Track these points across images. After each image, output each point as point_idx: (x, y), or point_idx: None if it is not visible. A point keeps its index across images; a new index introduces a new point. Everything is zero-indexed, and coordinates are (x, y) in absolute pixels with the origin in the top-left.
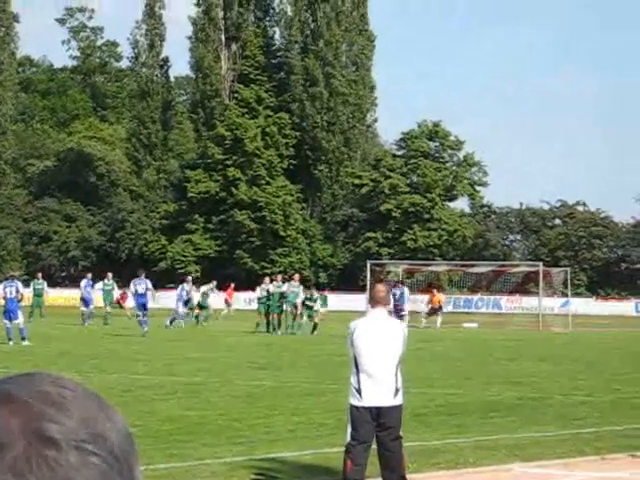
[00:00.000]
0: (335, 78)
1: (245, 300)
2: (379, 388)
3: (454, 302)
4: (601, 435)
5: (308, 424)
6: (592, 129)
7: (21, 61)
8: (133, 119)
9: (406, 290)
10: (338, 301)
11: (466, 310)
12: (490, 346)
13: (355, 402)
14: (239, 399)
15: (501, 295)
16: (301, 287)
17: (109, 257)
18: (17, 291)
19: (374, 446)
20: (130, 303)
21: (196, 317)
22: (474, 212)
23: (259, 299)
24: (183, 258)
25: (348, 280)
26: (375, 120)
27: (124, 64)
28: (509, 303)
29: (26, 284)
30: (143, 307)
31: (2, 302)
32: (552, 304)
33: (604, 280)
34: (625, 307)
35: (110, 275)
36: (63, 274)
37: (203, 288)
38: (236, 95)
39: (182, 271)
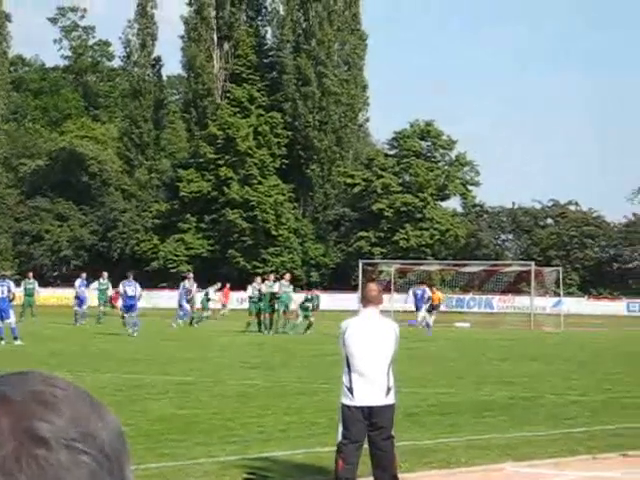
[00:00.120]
0: (327, 77)
1: (237, 299)
2: (371, 387)
3: (446, 302)
4: (593, 434)
5: (300, 423)
6: (584, 128)
7: (13, 60)
8: (125, 118)
9: (427, 290)
10: (330, 300)
11: (458, 310)
12: (482, 346)
13: (347, 401)
14: (231, 398)
15: (493, 295)
16: (291, 287)
17: (101, 256)
18: (9, 290)
19: (366, 445)
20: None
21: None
22: (466, 212)
23: (250, 298)
24: (175, 258)
25: (340, 279)
26: (367, 119)
27: (116, 63)
28: (501, 303)
29: (18, 284)
30: (130, 309)
31: None
32: (544, 304)
33: (596, 280)
34: (617, 307)
35: (105, 274)
36: (55, 274)
37: (209, 289)
38: (228, 94)
39: (174, 270)
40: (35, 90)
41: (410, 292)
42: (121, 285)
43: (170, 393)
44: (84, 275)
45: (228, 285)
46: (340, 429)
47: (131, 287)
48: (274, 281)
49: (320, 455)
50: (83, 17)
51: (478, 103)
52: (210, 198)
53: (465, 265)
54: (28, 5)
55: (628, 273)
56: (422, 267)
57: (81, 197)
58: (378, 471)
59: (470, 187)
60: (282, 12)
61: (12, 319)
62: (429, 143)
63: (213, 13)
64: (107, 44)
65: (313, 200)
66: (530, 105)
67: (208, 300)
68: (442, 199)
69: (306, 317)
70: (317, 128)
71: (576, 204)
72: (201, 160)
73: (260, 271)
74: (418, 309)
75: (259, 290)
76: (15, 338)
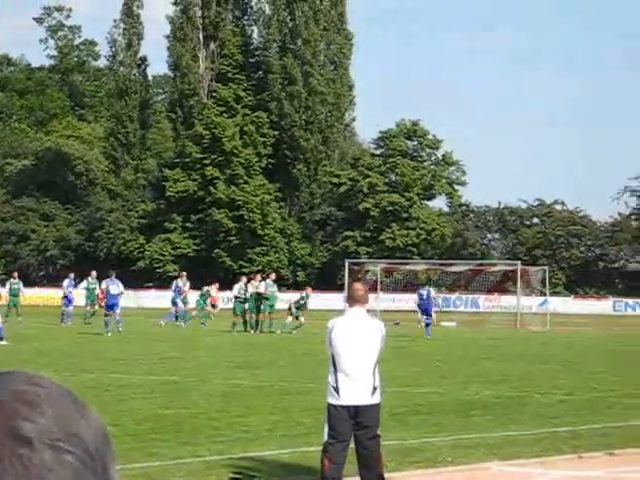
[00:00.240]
0: (313, 77)
1: (223, 299)
2: (357, 387)
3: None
4: (578, 434)
5: (286, 423)
6: (570, 128)
7: None
8: (111, 118)
9: (432, 291)
10: (316, 300)
11: (444, 309)
12: (468, 345)
13: (333, 401)
14: (217, 398)
15: (479, 294)
16: (275, 286)
17: (87, 256)
18: None
19: (352, 445)
20: None
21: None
22: (452, 211)
23: (236, 298)
24: (161, 257)
25: (326, 279)
26: (353, 119)
27: (102, 63)
28: (487, 302)
29: (3, 284)
30: (112, 307)
31: None
32: (530, 303)
33: (582, 279)
34: (603, 306)
35: (94, 274)
36: (41, 273)
37: (206, 288)
38: (214, 94)
39: (160, 270)
40: (21, 90)
41: (417, 294)
42: (104, 283)
43: (156, 393)
44: (72, 275)
45: (217, 285)
46: (326, 429)
47: (114, 286)
48: (260, 281)
49: (306, 455)
50: (69, 17)
51: (464, 103)
52: (196, 198)
53: (451, 264)
54: (14, 5)
55: (614, 272)
56: (408, 267)
57: (67, 197)
58: (364, 470)
59: (456, 186)
60: (268, 12)
61: None
62: (415, 143)
63: (199, 13)
64: (93, 44)
65: (299, 200)
66: (516, 105)
67: (205, 300)
68: (428, 198)
69: (297, 317)
70: (303, 128)
71: (562, 203)
72: (187, 160)
73: (246, 271)
74: (422, 310)
75: (245, 290)
76: (0, 338)
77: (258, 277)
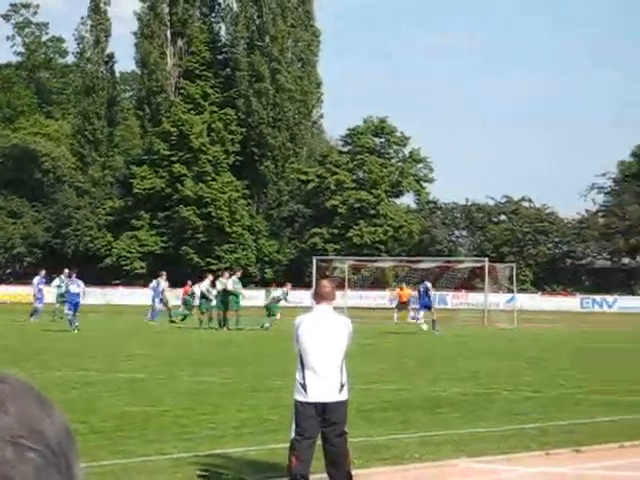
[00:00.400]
0: (281, 74)
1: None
2: (324, 384)
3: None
4: (545, 430)
5: (254, 420)
6: (538, 126)
7: None
8: (78, 115)
9: (429, 285)
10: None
11: (412, 306)
12: (436, 342)
13: (300, 398)
14: (184, 395)
15: (447, 291)
16: (240, 283)
17: (55, 253)
18: None
19: (319, 442)
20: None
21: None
22: (420, 208)
23: (202, 295)
24: (129, 254)
25: (294, 276)
26: (321, 116)
27: (69, 60)
28: (455, 299)
29: None
30: (75, 306)
31: None
32: (498, 300)
33: (549, 276)
34: (571, 303)
35: (67, 272)
36: (8, 271)
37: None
38: (182, 91)
39: (128, 267)
40: None
41: (415, 291)
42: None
43: (123, 390)
44: (43, 272)
45: (190, 282)
46: (293, 426)
47: (74, 285)
48: (228, 278)
49: (274, 451)
50: (36, 13)
51: (432, 100)
52: (164, 195)
53: (419, 261)
54: None
55: (581, 269)
56: (376, 263)
57: (34, 194)
58: (332, 468)
59: (424, 184)
60: (236, 9)
61: None
62: (383, 139)
63: (166, 9)
64: (60, 40)
65: (267, 197)
66: (484, 102)
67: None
68: (396, 195)
69: (273, 314)
70: (271, 125)
71: (529, 200)
72: (155, 157)
73: (214, 268)
74: (421, 306)
75: (207, 289)
76: None
77: (226, 274)
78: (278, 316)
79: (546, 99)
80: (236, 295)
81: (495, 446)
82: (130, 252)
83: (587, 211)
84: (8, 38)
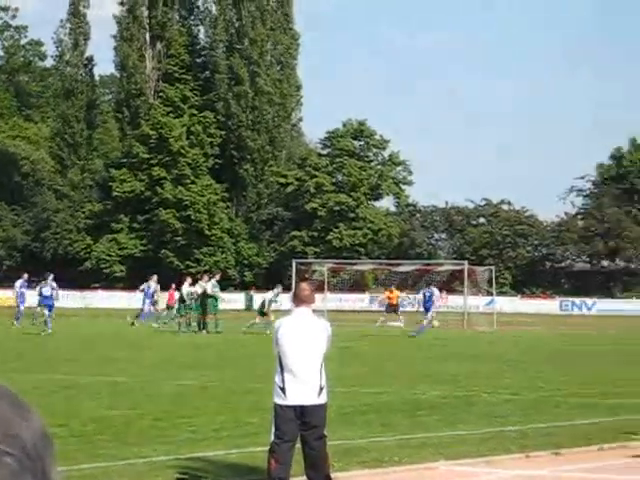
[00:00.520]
0: (260, 77)
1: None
2: (303, 387)
3: (379, 301)
4: (525, 433)
5: (233, 423)
6: (517, 128)
7: None
8: (57, 118)
9: (436, 291)
10: None
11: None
12: (416, 345)
13: (279, 401)
14: (164, 399)
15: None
16: (218, 286)
17: (34, 257)
18: None
19: (299, 445)
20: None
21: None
22: (399, 211)
23: (180, 299)
24: (108, 258)
25: (273, 279)
26: (300, 119)
27: (48, 63)
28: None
29: None
30: (49, 308)
31: None
32: (477, 303)
33: (529, 279)
34: (550, 305)
35: (51, 277)
36: None
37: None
38: (161, 94)
39: (107, 271)
40: None
41: (420, 293)
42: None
43: (103, 394)
44: (26, 276)
45: (173, 285)
46: (273, 429)
47: (46, 288)
48: (207, 281)
49: (253, 455)
50: (15, 17)
51: (411, 102)
52: (143, 198)
53: (398, 264)
54: None
55: (560, 272)
56: (355, 266)
57: (13, 197)
58: (311, 471)
59: (403, 186)
60: (215, 11)
61: None
62: (362, 142)
63: (145, 12)
64: (39, 44)
65: (246, 200)
66: (463, 104)
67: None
68: (375, 198)
69: (265, 314)
70: (250, 128)
71: (509, 203)
72: (134, 160)
73: (193, 271)
74: (427, 310)
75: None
76: None
77: (205, 277)
78: (272, 318)
79: (525, 101)
80: (215, 298)
81: (475, 449)
82: (109, 255)
83: (566, 214)
84: None
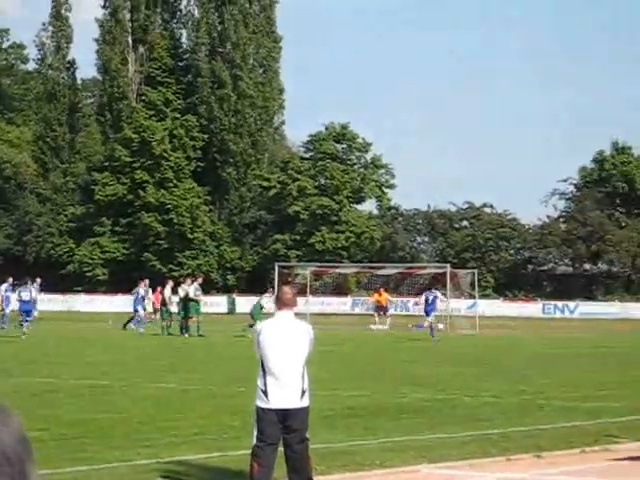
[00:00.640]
0: (242, 80)
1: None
2: (286, 390)
3: (362, 304)
4: (507, 436)
5: (215, 426)
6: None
7: None
8: (40, 122)
9: (439, 294)
10: (246, 303)
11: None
12: (398, 348)
13: (262, 404)
14: (146, 402)
15: (409, 297)
16: (200, 289)
17: (16, 261)
18: None
19: (281, 448)
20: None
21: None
22: (382, 214)
23: (162, 302)
24: (90, 261)
25: (256, 282)
26: (283, 122)
27: (31, 66)
28: (417, 305)
29: None
30: (27, 313)
31: None
32: (459, 306)
33: (511, 282)
34: (532, 308)
35: (39, 281)
36: None
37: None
38: (143, 97)
39: (90, 274)
40: None
41: (423, 296)
42: (17, 291)
43: (85, 397)
44: (10, 280)
45: (159, 289)
46: (255, 432)
47: (26, 292)
48: (190, 284)
49: (235, 458)
50: None
51: (393, 106)
52: (125, 201)
53: (381, 268)
54: None
55: (543, 275)
56: (338, 270)
57: None
58: (293, 474)
59: (385, 190)
60: (197, 15)
61: None
62: (344, 146)
63: (128, 16)
64: (22, 47)
65: (229, 203)
66: (444, 107)
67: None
68: (358, 202)
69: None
70: (232, 131)
71: (491, 206)
72: (116, 163)
73: (176, 274)
74: (427, 314)
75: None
76: None
77: (188, 281)
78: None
79: (507, 104)
80: (197, 302)
81: (457, 452)
82: (92, 259)
83: (548, 217)
84: None
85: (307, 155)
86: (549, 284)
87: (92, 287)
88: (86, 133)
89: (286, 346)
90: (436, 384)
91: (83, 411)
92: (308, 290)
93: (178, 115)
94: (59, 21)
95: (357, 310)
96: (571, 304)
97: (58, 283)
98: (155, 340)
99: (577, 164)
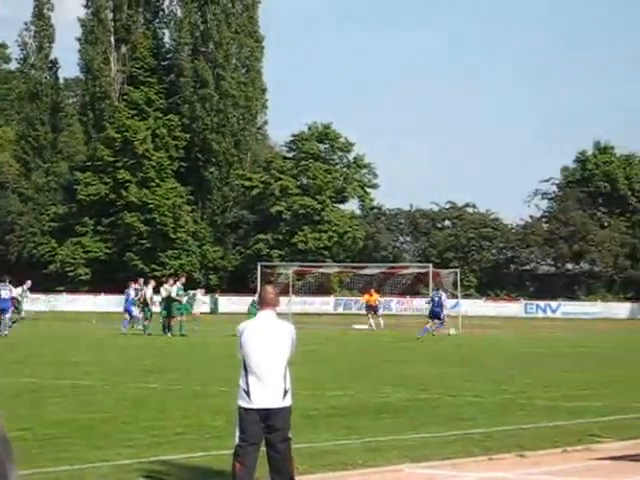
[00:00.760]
0: (225, 80)
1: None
2: (268, 390)
3: (344, 304)
4: (489, 435)
5: (197, 426)
6: (481, 130)
7: None
8: (22, 121)
9: (444, 295)
10: (228, 303)
11: (356, 312)
12: (380, 347)
13: (244, 404)
14: (128, 402)
15: (391, 297)
16: (182, 289)
17: None
18: None
19: (263, 448)
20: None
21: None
22: (364, 214)
23: (144, 302)
24: (73, 261)
25: (239, 282)
26: (265, 122)
27: (13, 66)
28: (399, 305)
29: None
30: (3, 312)
31: None
32: None
33: (493, 281)
34: (515, 308)
35: (29, 283)
36: None
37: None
38: (126, 97)
39: (72, 274)
40: None
41: (429, 298)
42: None
43: (68, 397)
44: None
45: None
46: (237, 432)
47: (5, 290)
48: (172, 284)
49: (218, 458)
50: None
51: (376, 105)
52: (108, 201)
53: (363, 267)
54: None
55: (525, 275)
56: (320, 269)
57: None
58: (275, 474)
59: (368, 189)
60: (180, 14)
61: None
62: (327, 145)
63: (110, 15)
64: (3, 46)
65: (211, 203)
66: (427, 107)
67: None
68: (340, 201)
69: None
70: (215, 131)
71: (473, 206)
72: (99, 163)
73: (158, 274)
74: (434, 316)
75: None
76: None
77: (170, 280)
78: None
79: (490, 104)
80: (179, 301)
81: (439, 451)
82: (74, 258)
83: (531, 217)
84: None
85: (290, 155)
86: (531, 284)
87: (74, 287)
88: (68, 133)
89: (268, 346)
90: (418, 384)
91: (66, 411)
92: (291, 290)
93: (160, 115)
94: (41, 20)
95: (340, 310)
96: (553, 304)
97: (40, 283)
98: (138, 340)
99: (559, 164)
